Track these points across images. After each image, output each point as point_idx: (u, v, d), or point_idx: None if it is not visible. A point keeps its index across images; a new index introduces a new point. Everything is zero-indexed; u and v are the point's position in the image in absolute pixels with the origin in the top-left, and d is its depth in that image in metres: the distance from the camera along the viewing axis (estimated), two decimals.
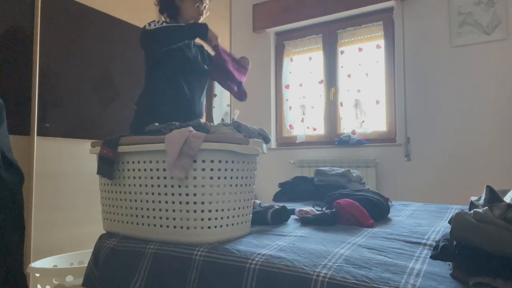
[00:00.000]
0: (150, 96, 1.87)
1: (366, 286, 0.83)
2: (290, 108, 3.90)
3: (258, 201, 1.74)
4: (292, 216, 1.62)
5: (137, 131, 1.76)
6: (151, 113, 1.81)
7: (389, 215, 1.69)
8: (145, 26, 1.77)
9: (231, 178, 1.21)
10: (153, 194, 1.20)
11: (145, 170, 1.21)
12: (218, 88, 3.12)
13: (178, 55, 1.86)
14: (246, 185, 1.27)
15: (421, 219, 1.62)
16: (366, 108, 3.47)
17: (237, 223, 1.24)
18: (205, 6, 1.97)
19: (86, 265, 1.47)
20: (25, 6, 2.07)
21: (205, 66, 2.00)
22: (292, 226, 1.41)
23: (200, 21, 1.97)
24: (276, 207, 1.51)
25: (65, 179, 2.20)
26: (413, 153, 3.15)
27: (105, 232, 1.40)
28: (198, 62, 1.97)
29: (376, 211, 1.56)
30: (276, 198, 2.31)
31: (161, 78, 1.85)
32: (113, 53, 2.52)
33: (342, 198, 1.63)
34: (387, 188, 3.22)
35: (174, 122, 1.33)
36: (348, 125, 3.56)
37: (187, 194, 1.15)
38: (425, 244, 1.14)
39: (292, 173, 3.59)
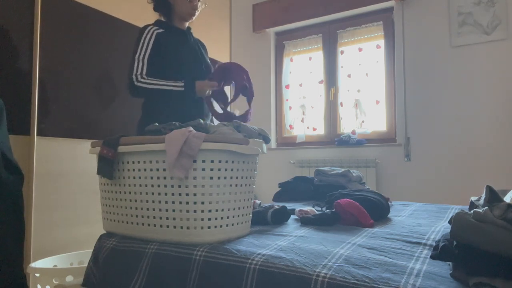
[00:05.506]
0: (155, 96, 1.85)
1: (366, 286, 0.83)
2: (290, 108, 3.90)
3: (258, 201, 1.74)
4: (292, 216, 1.62)
5: (143, 131, 1.75)
6: (157, 113, 1.80)
7: (389, 215, 1.69)
8: (131, 75, 1.74)
9: (231, 178, 1.21)
10: (153, 194, 1.20)
11: (145, 170, 1.21)
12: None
13: (179, 55, 1.85)
14: (246, 185, 1.27)
15: (421, 219, 1.61)
16: (366, 108, 3.47)
17: (237, 223, 1.24)
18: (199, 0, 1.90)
19: (86, 265, 1.47)
20: (25, 6, 2.07)
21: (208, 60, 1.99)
22: (292, 226, 1.41)
23: (194, 16, 1.92)
24: (276, 207, 1.51)
25: (65, 179, 2.20)
26: (413, 153, 3.15)
27: (105, 232, 1.40)
28: (200, 58, 1.94)
29: (376, 211, 1.56)
30: (276, 198, 2.31)
31: (166, 78, 1.82)
32: (113, 53, 2.52)
33: (342, 198, 1.63)
34: (387, 188, 3.22)
35: (174, 122, 1.33)
36: (348, 125, 3.56)
37: (187, 194, 1.15)
38: (425, 244, 1.14)
39: (292, 173, 3.59)
